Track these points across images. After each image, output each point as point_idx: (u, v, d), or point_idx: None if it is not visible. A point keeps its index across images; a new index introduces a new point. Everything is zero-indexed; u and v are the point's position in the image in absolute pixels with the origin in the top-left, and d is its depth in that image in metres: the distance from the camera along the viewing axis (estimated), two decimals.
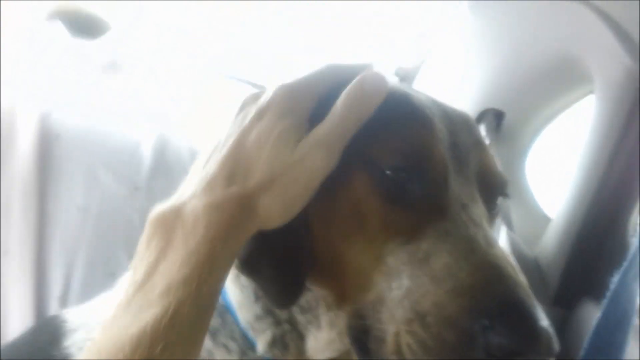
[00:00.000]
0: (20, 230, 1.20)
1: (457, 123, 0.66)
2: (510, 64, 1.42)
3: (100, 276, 1.21)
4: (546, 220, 1.46)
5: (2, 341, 1.16)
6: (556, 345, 0.52)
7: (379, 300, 0.57)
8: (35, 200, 1.23)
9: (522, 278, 0.54)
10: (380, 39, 1.91)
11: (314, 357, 0.74)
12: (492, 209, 0.66)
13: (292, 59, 2.01)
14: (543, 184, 1.54)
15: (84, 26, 1.55)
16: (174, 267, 0.53)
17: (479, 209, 0.60)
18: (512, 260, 0.57)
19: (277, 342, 0.74)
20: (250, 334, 0.73)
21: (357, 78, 0.60)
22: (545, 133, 1.51)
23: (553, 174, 1.57)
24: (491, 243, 0.56)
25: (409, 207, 0.59)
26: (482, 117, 1.49)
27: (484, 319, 0.50)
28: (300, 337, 0.74)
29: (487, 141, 0.72)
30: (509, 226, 1.33)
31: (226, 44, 1.98)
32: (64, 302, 1.20)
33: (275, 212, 0.56)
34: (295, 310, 0.72)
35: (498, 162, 0.69)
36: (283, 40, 2.01)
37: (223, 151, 0.59)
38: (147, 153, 1.30)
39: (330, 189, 0.60)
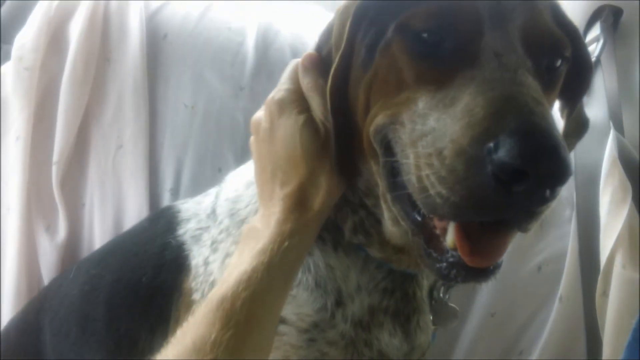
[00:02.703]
0: (132, 127, 1.27)
1: None
2: None
3: (208, 171, 1.26)
4: None
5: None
6: (566, 169, 0.51)
7: (406, 136, 0.62)
8: (145, 98, 1.28)
9: (544, 110, 0.54)
10: None
11: (393, 241, 0.78)
12: (541, 64, 0.65)
13: None
14: None
15: None
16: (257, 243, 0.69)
17: (515, 58, 0.60)
18: (543, 100, 0.57)
19: (359, 229, 0.80)
20: (338, 222, 0.80)
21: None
22: None
23: None
24: (518, 82, 0.57)
25: (441, 61, 0.62)
26: (598, 13, 1.38)
27: (490, 143, 0.51)
28: (378, 222, 0.78)
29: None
30: (620, 129, 1.25)
31: None
32: (175, 194, 1.27)
33: (332, 184, 0.72)
34: (361, 194, 0.78)
35: (551, 21, 0.68)
36: None
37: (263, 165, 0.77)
38: (250, 52, 1.30)
39: (371, 62, 0.68)
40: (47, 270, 1.25)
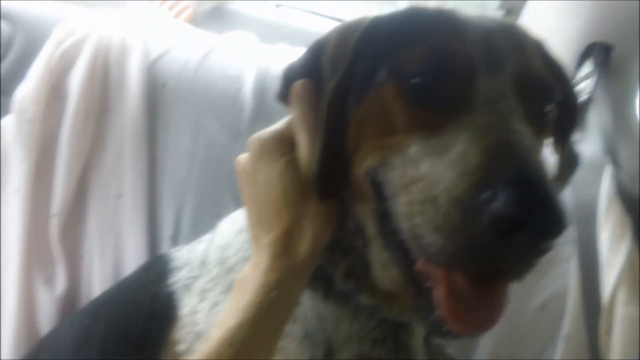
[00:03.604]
0: (132, 176, 1.27)
1: (497, 29, 0.67)
2: None
3: (208, 217, 1.25)
4: None
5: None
6: (563, 221, 0.51)
7: (397, 179, 0.61)
8: (145, 146, 1.29)
9: (538, 159, 0.55)
10: None
11: (383, 286, 0.76)
12: (533, 110, 0.65)
13: None
14: None
15: None
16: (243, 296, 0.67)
17: (507, 105, 0.60)
18: (536, 148, 0.58)
19: (351, 273, 0.78)
20: (329, 269, 0.78)
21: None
22: None
23: None
24: (511, 130, 0.57)
25: (433, 107, 0.62)
26: (589, 50, 1.40)
27: (486, 192, 0.50)
28: (368, 266, 0.76)
29: (561, 65, 0.76)
30: (616, 164, 1.26)
31: None
32: (175, 241, 1.27)
33: (318, 229, 0.69)
34: (350, 236, 0.76)
35: (540, 66, 0.69)
36: None
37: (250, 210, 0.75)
38: (248, 98, 1.32)
39: (364, 98, 0.67)
40: (46, 322, 1.23)
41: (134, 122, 1.28)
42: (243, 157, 0.77)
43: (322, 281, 0.79)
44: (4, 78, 1.29)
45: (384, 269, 0.73)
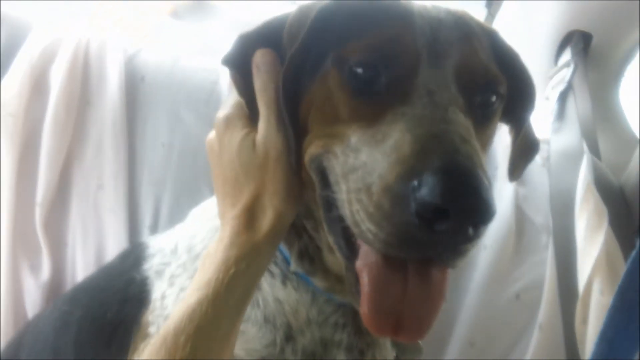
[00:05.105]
0: (112, 167, 1.31)
1: (446, 21, 0.68)
2: None
3: (186, 207, 1.26)
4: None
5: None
6: (489, 209, 0.52)
7: (339, 167, 0.63)
8: (124, 139, 1.33)
9: (470, 148, 0.55)
10: None
11: (335, 271, 0.78)
12: (475, 100, 0.67)
13: None
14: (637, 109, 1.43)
15: None
16: (205, 273, 0.67)
17: (447, 95, 0.62)
18: (470, 137, 0.58)
19: (304, 256, 0.80)
20: (286, 252, 0.80)
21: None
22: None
23: None
24: (447, 120, 0.58)
25: (374, 97, 0.63)
26: (568, 39, 1.40)
27: (414, 180, 0.52)
28: (319, 249, 0.79)
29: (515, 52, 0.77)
30: (596, 154, 1.25)
31: None
32: (154, 230, 1.31)
33: (277, 205, 0.68)
34: (302, 217, 0.78)
35: (488, 56, 0.70)
36: None
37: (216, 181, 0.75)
38: (224, 90, 1.35)
39: (310, 86, 0.68)
40: (32, 308, 1.28)
41: (114, 115, 1.32)
42: (211, 135, 0.77)
43: (280, 266, 0.81)
44: None
45: (331, 253, 0.75)
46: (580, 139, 1.28)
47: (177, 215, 1.28)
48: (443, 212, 0.51)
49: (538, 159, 1.38)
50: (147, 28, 1.40)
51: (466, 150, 0.55)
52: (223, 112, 0.75)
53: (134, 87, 1.35)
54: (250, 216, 0.68)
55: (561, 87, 1.37)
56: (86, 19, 1.42)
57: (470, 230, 0.53)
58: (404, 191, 0.53)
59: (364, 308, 0.59)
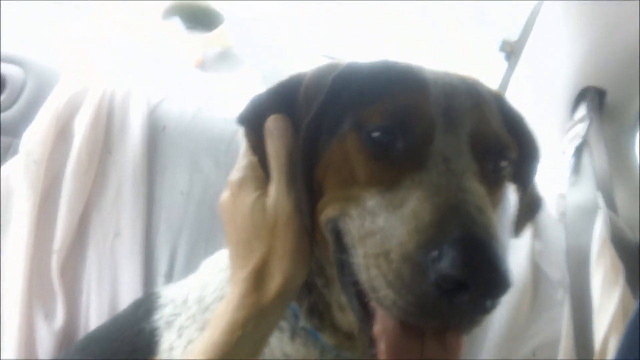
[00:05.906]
0: (130, 214, 1.32)
1: (459, 89, 0.69)
2: (610, 39, 1.33)
3: (202, 255, 1.27)
4: None
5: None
6: (506, 282, 0.53)
7: (355, 230, 0.63)
8: (143, 187, 1.35)
9: (486, 219, 0.56)
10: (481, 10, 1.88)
11: (344, 328, 0.78)
12: (487, 166, 0.68)
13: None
14: None
15: (200, 19, 1.67)
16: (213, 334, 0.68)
17: (462, 163, 0.63)
18: (486, 207, 0.59)
19: (314, 312, 0.80)
20: (296, 307, 0.80)
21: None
22: None
23: None
24: (463, 189, 0.59)
25: (392, 162, 0.64)
26: (583, 94, 1.41)
27: (434, 251, 0.52)
28: (329, 305, 0.79)
29: (519, 114, 0.79)
30: (612, 208, 1.25)
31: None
32: (169, 279, 1.31)
33: (286, 268, 0.69)
34: (312, 274, 0.78)
35: (498, 123, 0.71)
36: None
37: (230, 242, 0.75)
38: (244, 141, 1.36)
39: (327, 148, 0.69)
40: (45, 355, 1.27)
41: (134, 164, 1.34)
42: (225, 195, 0.78)
43: (289, 321, 0.81)
44: (15, 121, 1.36)
45: (341, 310, 0.76)
46: (596, 193, 1.28)
47: (192, 264, 1.28)
48: (463, 284, 0.52)
49: (554, 213, 1.38)
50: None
51: (483, 221, 0.56)
52: (237, 174, 0.76)
53: (155, 137, 1.38)
54: (258, 278, 0.69)
55: (577, 142, 1.38)
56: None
57: (488, 302, 0.54)
58: (424, 261, 0.54)
59: None
